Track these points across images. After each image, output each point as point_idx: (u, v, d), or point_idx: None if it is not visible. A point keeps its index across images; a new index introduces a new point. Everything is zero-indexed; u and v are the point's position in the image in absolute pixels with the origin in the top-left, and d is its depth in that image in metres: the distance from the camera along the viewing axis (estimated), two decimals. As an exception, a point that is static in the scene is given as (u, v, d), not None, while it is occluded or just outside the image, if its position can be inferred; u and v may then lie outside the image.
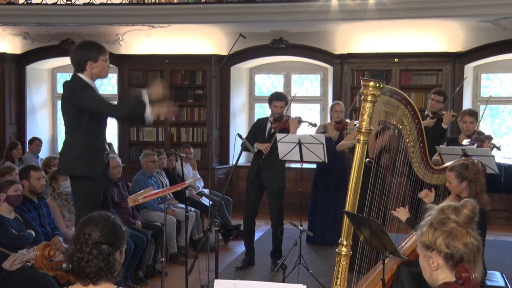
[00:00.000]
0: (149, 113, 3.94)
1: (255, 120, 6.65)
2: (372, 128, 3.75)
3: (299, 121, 5.85)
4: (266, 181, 5.86)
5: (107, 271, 2.04)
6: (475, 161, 4.09)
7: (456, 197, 4.07)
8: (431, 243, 1.90)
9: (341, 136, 6.44)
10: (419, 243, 1.97)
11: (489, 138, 5.83)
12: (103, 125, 4.21)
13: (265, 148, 5.70)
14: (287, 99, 5.94)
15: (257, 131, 5.98)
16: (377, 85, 3.61)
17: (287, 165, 6.16)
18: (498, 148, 5.66)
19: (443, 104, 6.22)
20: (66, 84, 4.21)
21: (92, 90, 4.09)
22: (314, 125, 6.39)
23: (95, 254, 2.02)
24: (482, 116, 6.39)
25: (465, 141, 5.53)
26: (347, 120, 6.63)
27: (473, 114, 5.67)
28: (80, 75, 4.09)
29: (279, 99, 5.82)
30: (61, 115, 4.25)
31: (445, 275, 1.90)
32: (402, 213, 4.17)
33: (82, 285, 2.06)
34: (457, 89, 7.26)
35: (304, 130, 6.26)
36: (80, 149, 4.06)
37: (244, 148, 5.08)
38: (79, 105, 4.04)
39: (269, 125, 5.92)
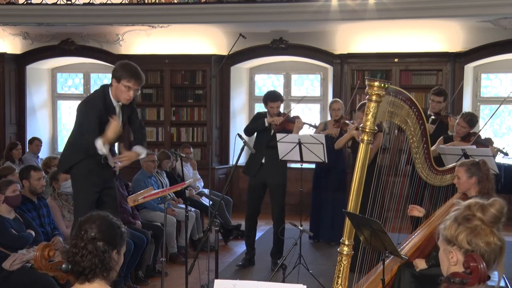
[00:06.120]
0: (100, 146, 4.03)
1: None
2: (376, 128, 3.75)
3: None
4: (268, 180, 5.84)
5: (101, 268, 2.03)
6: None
7: (463, 195, 4.07)
8: (453, 237, 1.87)
9: (341, 135, 6.44)
10: (441, 236, 1.93)
11: (490, 142, 5.76)
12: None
13: (277, 120, 5.68)
14: (282, 97, 5.91)
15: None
16: (382, 85, 3.61)
17: (287, 165, 6.14)
18: (506, 154, 5.56)
19: (444, 103, 6.19)
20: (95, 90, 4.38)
21: (94, 109, 4.09)
22: (315, 126, 6.39)
23: (89, 249, 2.02)
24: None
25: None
26: (346, 121, 6.62)
27: (467, 119, 5.50)
28: (109, 89, 4.22)
29: (273, 100, 5.76)
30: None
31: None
32: (418, 211, 4.32)
33: (78, 283, 2.06)
34: (457, 90, 7.24)
35: (304, 131, 6.26)
36: (74, 151, 4.21)
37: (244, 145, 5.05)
38: (76, 116, 4.20)
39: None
